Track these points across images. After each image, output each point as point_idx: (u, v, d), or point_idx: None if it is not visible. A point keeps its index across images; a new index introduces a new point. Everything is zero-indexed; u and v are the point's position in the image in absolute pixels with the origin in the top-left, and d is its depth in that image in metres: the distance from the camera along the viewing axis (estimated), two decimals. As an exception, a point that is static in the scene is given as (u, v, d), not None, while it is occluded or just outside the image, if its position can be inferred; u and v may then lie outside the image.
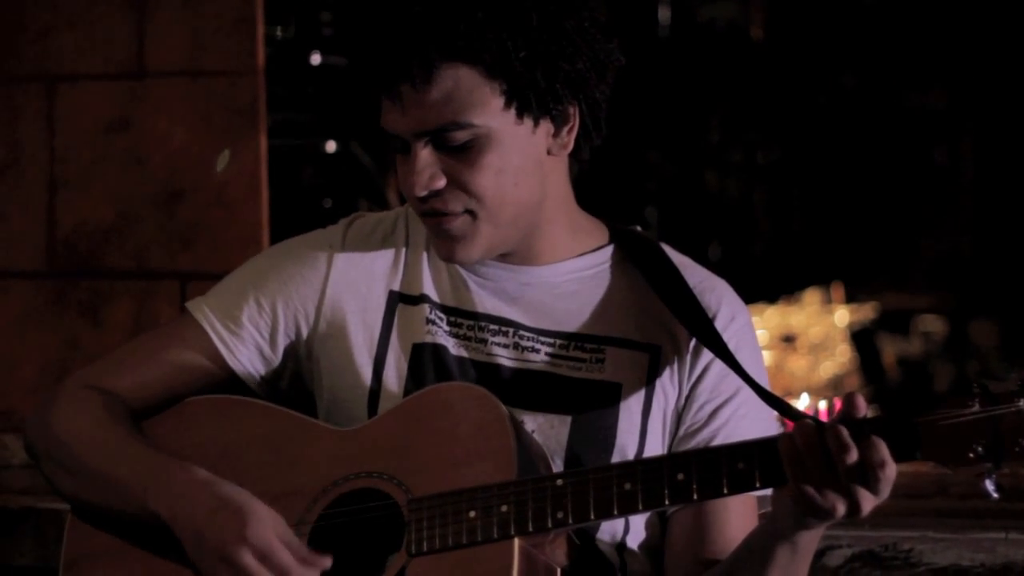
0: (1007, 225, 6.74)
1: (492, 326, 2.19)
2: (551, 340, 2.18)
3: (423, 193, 2.09)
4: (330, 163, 4.29)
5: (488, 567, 1.99)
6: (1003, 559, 2.91)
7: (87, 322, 3.70)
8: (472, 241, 2.12)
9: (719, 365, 2.16)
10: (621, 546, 2.18)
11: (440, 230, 2.12)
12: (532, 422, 2.14)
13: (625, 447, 2.15)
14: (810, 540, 2.04)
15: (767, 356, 5.79)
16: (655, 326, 2.18)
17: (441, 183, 2.09)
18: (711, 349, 2.15)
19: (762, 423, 2.17)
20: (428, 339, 2.19)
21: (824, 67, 6.93)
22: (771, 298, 6.34)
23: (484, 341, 2.19)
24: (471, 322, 2.19)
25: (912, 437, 1.90)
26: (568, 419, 2.15)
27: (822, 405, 3.69)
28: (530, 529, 1.99)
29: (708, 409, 2.17)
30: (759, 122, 7.02)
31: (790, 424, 1.99)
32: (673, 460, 1.99)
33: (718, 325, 2.16)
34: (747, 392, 2.14)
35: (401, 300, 2.22)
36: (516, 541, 1.99)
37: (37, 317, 3.73)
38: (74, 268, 3.72)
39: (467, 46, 2.04)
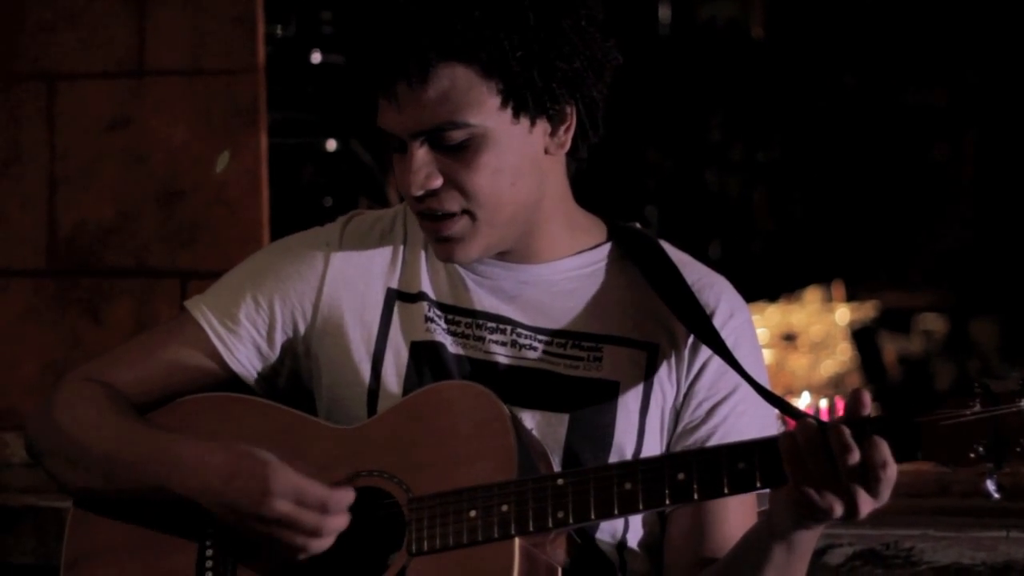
0: (1008, 223, 6.75)
1: (490, 324, 2.19)
2: (548, 338, 2.18)
3: (419, 193, 2.09)
4: (330, 162, 4.29)
5: (489, 567, 1.99)
6: (1004, 557, 2.91)
7: (87, 321, 3.70)
8: (470, 242, 2.12)
9: (717, 362, 2.15)
10: (621, 545, 2.17)
11: (439, 237, 2.12)
12: (530, 420, 2.14)
13: (623, 445, 2.14)
14: (807, 540, 2.03)
15: (768, 354, 5.79)
16: (653, 324, 2.18)
17: (437, 183, 2.09)
18: (709, 346, 2.14)
19: (760, 420, 2.17)
20: (426, 337, 2.19)
21: (824, 65, 6.93)
22: (772, 296, 6.34)
23: (482, 339, 2.18)
24: (469, 320, 2.19)
25: (913, 437, 1.89)
26: (565, 417, 2.14)
27: (823, 403, 3.68)
28: (531, 529, 1.99)
29: (706, 407, 2.17)
30: (759, 120, 7.02)
31: (791, 423, 1.98)
32: (674, 460, 1.99)
33: (716, 322, 2.16)
34: (745, 389, 2.14)
35: (399, 298, 2.22)
36: (517, 541, 1.99)
37: (37, 316, 3.73)
38: (74, 267, 3.72)
39: (463, 45, 2.03)
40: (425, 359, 2.18)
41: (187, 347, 2.24)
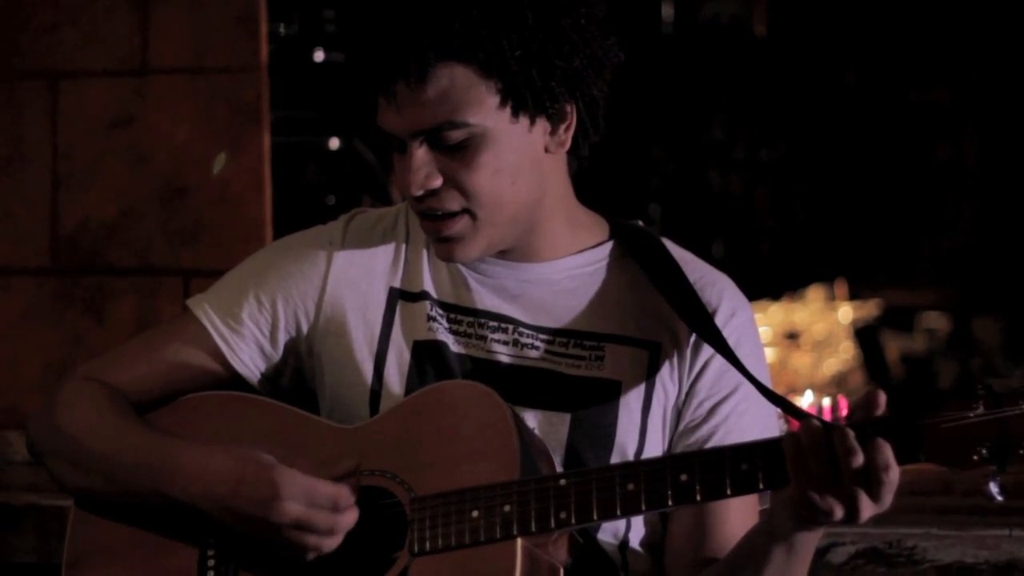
0: (1010, 222, 6.74)
1: (491, 323, 2.18)
2: (550, 337, 2.18)
3: (419, 192, 2.09)
4: (333, 160, 4.28)
5: (491, 567, 1.98)
6: (1007, 556, 2.90)
7: (90, 319, 3.70)
8: (471, 241, 2.12)
9: (719, 361, 2.15)
10: (624, 544, 2.17)
11: (439, 236, 2.12)
12: (532, 420, 2.13)
13: (625, 445, 2.14)
14: (808, 541, 2.03)
15: (770, 353, 5.79)
16: (655, 322, 2.18)
17: (437, 182, 2.09)
18: (711, 345, 2.14)
19: (762, 420, 2.16)
20: (429, 336, 2.18)
21: (827, 64, 6.93)
22: (775, 295, 6.34)
23: (483, 338, 2.18)
24: (471, 319, 2.19)
25: (915, 439, 1.88)
26: (567, 416, 2.14)
27: (826, 402, 3.68)
28: (533, 529, 1.99)
29: (707, 406, 2.17)
30: (762, 119, 7.02)
31: (793, 422, 1.98)
32: (676, 461, 1.99)
33: (718, 321, 2.16)
34: (747, 388, 2.13)
35: (402, 297, 2.22)
36: (519, 541, 1.99)
37: (40, 314, 3.73)
38: (77, 265, 3.72)
39: (462, 45, 2.03)
40: (427, 358, 2.18)
41: (189, 346, 2.24)
